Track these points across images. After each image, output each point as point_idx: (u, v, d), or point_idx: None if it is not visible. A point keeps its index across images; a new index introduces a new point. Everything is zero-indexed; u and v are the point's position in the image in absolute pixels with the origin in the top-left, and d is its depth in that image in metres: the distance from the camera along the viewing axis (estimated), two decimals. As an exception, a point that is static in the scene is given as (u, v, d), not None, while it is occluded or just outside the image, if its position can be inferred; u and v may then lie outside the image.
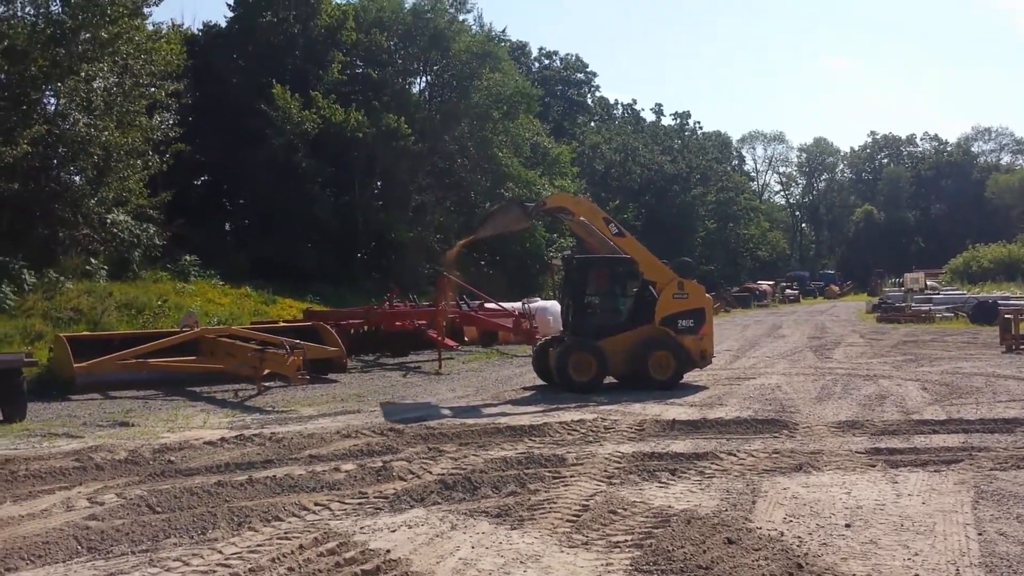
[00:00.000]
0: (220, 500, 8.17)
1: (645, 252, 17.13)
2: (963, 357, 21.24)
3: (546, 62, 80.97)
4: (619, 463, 9.59)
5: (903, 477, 8.87)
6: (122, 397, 16.14)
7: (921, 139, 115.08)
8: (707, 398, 14.85)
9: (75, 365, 16.16)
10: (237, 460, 9.92)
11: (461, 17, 43.53)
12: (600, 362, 16.14)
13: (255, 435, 11.44)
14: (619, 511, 7.69)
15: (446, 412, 13.79)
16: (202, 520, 7.52)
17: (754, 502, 8.00)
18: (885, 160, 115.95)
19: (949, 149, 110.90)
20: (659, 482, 8.81)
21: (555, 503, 7.98)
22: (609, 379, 16.62)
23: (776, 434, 11.27)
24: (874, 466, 9.37)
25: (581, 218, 17.48)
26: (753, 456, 9.88)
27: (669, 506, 7.86)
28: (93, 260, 25.77)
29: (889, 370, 18.60)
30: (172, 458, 10.14)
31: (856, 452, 10.02)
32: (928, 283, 54.73)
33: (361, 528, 7.34)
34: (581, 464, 9.54)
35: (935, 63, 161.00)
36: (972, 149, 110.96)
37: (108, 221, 26.59)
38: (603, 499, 8.09)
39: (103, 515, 7.73)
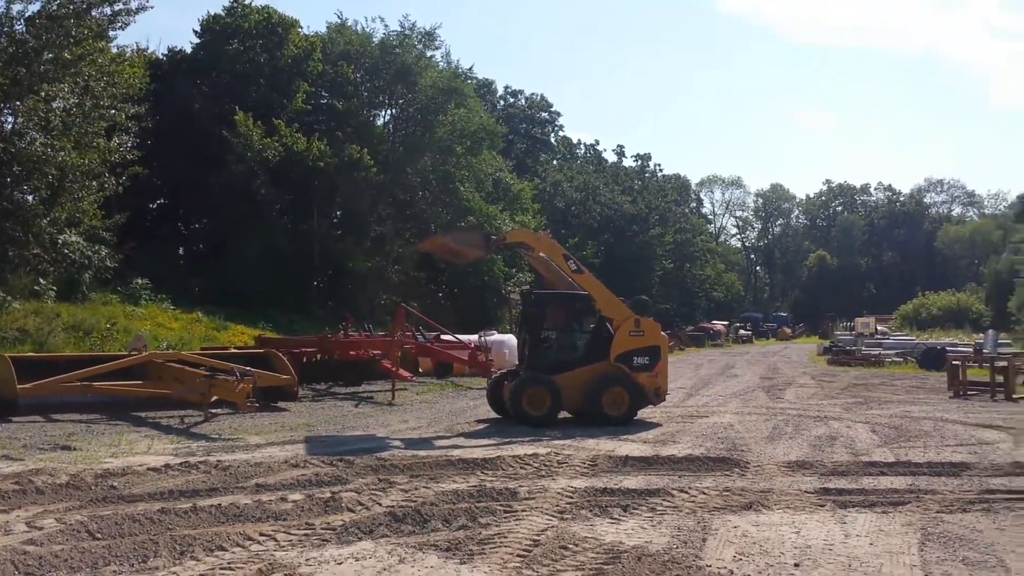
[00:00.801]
0: (163, 528, 7.97)
1: (603, 289, 17.21)
2: (912, 401, 21.53)
3: (511, 100, 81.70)
4: (571, 498, 9.54)
5: (851, 518, 8.92)
6: (65, 420, 15.74)
7: (875, 188, 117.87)
8: (660, 435, 14.86)
9: (18, 386, 15.74)
10: (181, 487, 9.70)
11: (429, 53, 43.81)
12: (554, 397, 16.12)
13: (201, 462, 11.20)
14: (570, 546, 7.63)
15: (396, 443, 13.64)
16: (143, 548, 7.32)
17: (704, 540, 7.99)
18: (839, 208, 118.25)
19: (902, 199, 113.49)
20: (611, 518, 8.77)
21: (506, 537, 7.89)
22: (563, 414, 16.58)
23: (727, 472, 11.29)
24: (823, 506, 9.42)
25: (541, 254, 17.54)
26: (704, 494, 9.88)
27: (620, 542, 7.81)
28: (42, 280, 25.34)
29: (839, 412, 18.79)
30: (115, 484, 9.88)
31: (806, 492, 10.07)
32: (878, 328, 55.66)
33: (307, 560, 7.19)
34: (533, 498, 9.47)
35: (890, 115, 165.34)
36: (924, 200, 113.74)
37: (59, 242, 26.13)
38: (554, 534, 8.02)
39: (42, 540, 7.50)
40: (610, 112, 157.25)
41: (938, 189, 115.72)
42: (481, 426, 16.16)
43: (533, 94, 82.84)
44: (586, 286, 17.05)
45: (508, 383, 16.85)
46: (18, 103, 24.55)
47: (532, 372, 16.62)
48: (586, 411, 16.42)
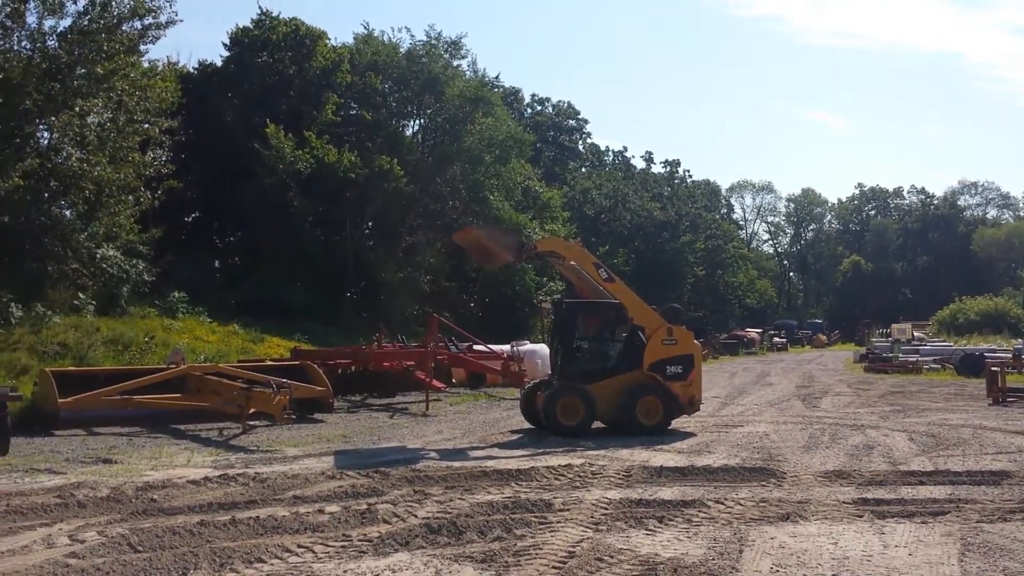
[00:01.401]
0: (202, 540, 8.08)
1: (634, 297, 17.17)
2: (950, 409, 21.27)
3: (538, 108, 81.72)
4: (606, 509, 9.53)
5: (890, 528, 8.84)
6: (106, 433, 15.99)
7: (908, 192, 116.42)
8: (695, 445, 14.80)
9: (60, 400, 16.03)
10: (220, 500, 9.82)
11: (455, 63, 43.92)
12: (588, 407, 16.10)
13: (239, 475, 11.33)
14: (606, 558, 7.64)
15: (431, 454, 13.69)
16: (184, 560, 7.43)
17: (741, 551, 7.96)
18: (872, 212, 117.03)
19: (936, 202, 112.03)
20: (646, 529, 8.76)
21: (541, 549, 7.91)
22: (597, 424, 16.56)
23: (764, 483, 11.22)
24: (861, 516, 9.34)
25: (571, 262, 17.54)
26: (741, 504, 9.84)
27: (656, 554, 7.80)
28: (81, 295, 25.67)
29: (876, 420, 18.60)
30: (155, 496, 10.03)
31: (843, 502, 9.99)
32: (915, 334, 54.92)
33: (344, 571, 7.26)
34: (568, 510, 9.47)
35: (920, 118, 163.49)
36: (958, 203, 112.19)
37: (97, 256, 26.49)
38: (590, 546, 8.03)
39: (84, 553, 7.63)
40: (638, 119, 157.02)
41: (972, 191, 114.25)
42: (515, 436, 16.19)
43: (560, 102, 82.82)
44: (617, 295, 17.02)
45: (541, 393, 16.84)
46: (53, 119, 24.94)
47: (565, 382, 16.61)
48: (620, 421, 16.39)
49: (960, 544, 8.22)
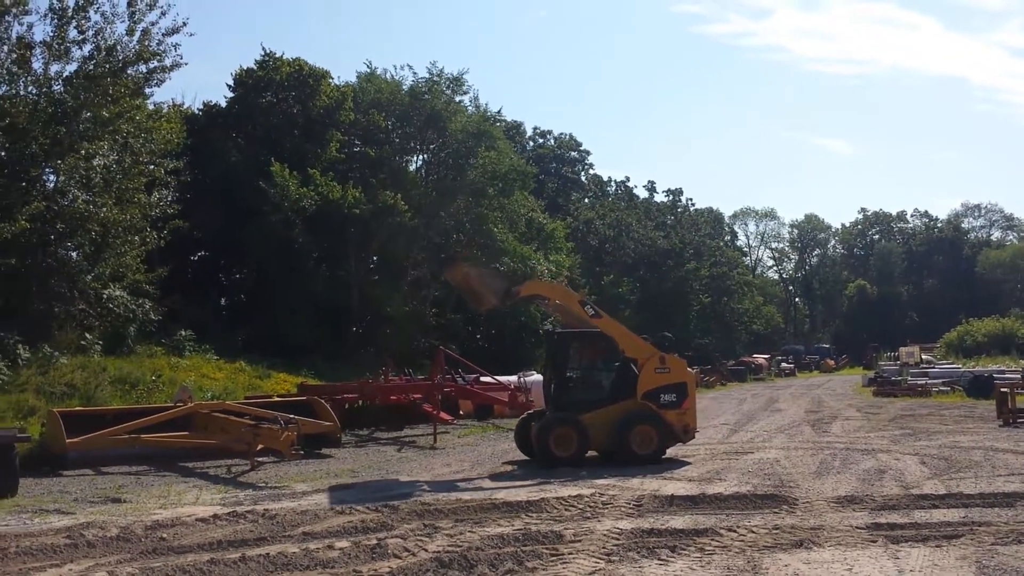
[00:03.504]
0: (213, 578, 8.05)
1: (623, 330, 17.23)
2: (960, 431, 21.15)
3: (540, 141, 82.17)
4: (618, 540, 9.48)
5: (904, 553, 8.78)
6: (114, 473, 15.96)
7: (911, 216, 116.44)
8: (705, 473, 14.73)
9: (67, 440, 16.01)
10: (230, 537, 9.79)
11: (457, 98, 44.23)
12: (582, 437, 16.06)
13: (248, 512, 11.30)
14: (618, 588, 7.59)
15: (440, 487, 13.63)
16: (194, 599, 7.40)
17: (755, 579, 7.90)
18: (876, 236, 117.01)
19: (940, 225, 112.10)
20: (659, 559, 8.70)
21: (553, 580, 7.87)
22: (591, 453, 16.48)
23: (776, 509, 11.16)
24: (875, 541, 9.28)
25: (557, 302, 17.70)
26: (753, 532, 9.77)
27: (669, 583, 7.75)
28: (88, 335, 25.73)
29: (887, 444, 18.50)
30: (164, 535, 10.00)
31: (857, 527, 9.92)
32: (923, 357, 54.73)
33: (356, 606, 7.22)
34: (579, 541, 9.42)
35: (922, 141, 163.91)
36: (962, 225, 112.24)
37: (104, 296, 26.59)
38: (602, 576, 7.98)
39: (94, 594, 7.60)
40: (640, 148, 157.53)
41: (976, 214, 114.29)
42: (524, 468, 16.12)
43: (562, 134, 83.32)
44: (606, 330, 17.05)
45: (535, 424, 16.79)
46: (59, 162, 25.14)
47: (558, 412, 16.58)
48: (614, 450, 16.32)
49: (975, 567, 8.16)
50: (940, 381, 38.71)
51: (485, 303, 18.14)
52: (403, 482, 14.49)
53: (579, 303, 17.51)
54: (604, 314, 17.58)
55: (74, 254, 26.55)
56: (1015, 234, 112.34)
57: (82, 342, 25.21)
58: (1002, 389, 24.07)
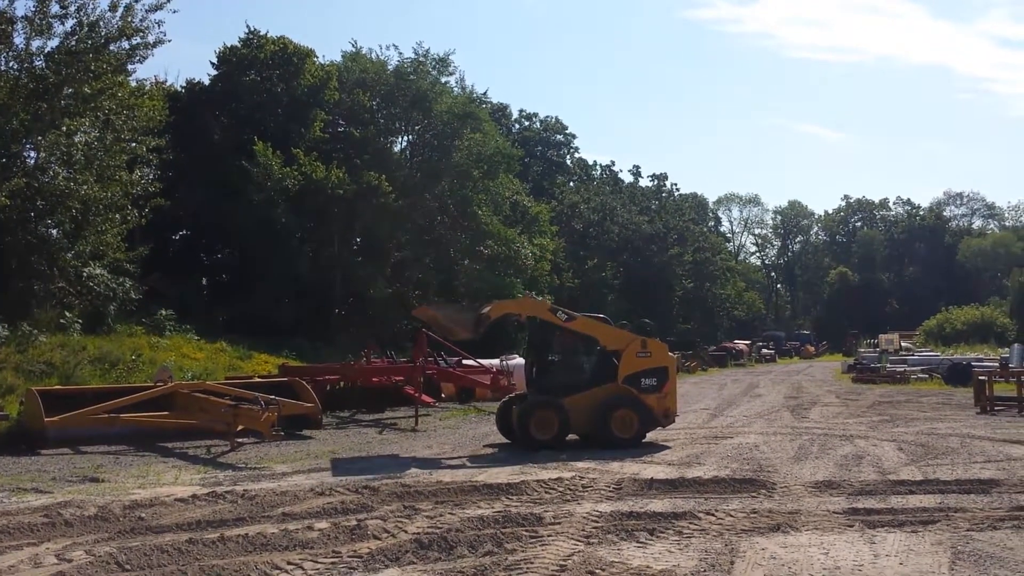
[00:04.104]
0: (191, 558, 8.02)
1: (600, 326, 17.32)
2: (938, 418, 21.34)
3: (526, 123, 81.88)
4: (597, 522, 9.52)
5: (880, 537, 8.86)
6: (93, 452, 15.87)
7: (894, 203, 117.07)
8: (685, 457, 14.80)
9: (46, 419, 15.89)
10: (209, 517, 9.76)
11: (443, 79, 44.03)
12: (563, 420, 16.10)
13: (227, 492, 11.28)
14: (597, 571, 7.62)
15: (420, 469, 13.64)
16: (172, 578, 7.38)
17: (732, 562, 7.96)
18: (859, 223, 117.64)
19: (922, 213, 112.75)
20: (637, 542, 8.74)
21: (532, 563, 7.89)
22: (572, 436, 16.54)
23: (754, 494, 11.23)
24: (852, 526, 9.35)
25: (527, 316, 17.83)
26: (731, 516, 9.84)
27: (647, 566, 7.79)
28: (68, 313, 25.52)
29: (865, 430, 18.65)
30: (143, 515, 9.96)
31: (834, 512, 10.00)
32: (903, 344, 55.17)
33: (335, 587, 7.22)
34: (559, 523, 9.45)
35: (906, 129, 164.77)
36: (944, 214, 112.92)
37: (84, 275, 26.39)
38: (581, 559, 8.01)
39: (71, 572, 7.58)
40: (626, 133, 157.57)
41: (958, 202, 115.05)
42: (505, 451, 16.15)
43: (548, 117, 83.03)
44: (583, 330, 17.12)
45: (516, 407, 16.83)
46: (40, 138, 24.90)
47: (540, 395, 16.62)
48: (595, 434, 16.37)
49: (950, 553, 8.24)
50: (919, 368, 39.09)
51: (460, 336, 18.65)
52: (384, 463, 14.48)
53: (550, 311, 17.68)
54: (577, 315, 17.73)
55: (54, 231, 26.31)
56: (996, 223, 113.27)
57: (61, 320, 25.00)
58: (980, 377, 24.31)
